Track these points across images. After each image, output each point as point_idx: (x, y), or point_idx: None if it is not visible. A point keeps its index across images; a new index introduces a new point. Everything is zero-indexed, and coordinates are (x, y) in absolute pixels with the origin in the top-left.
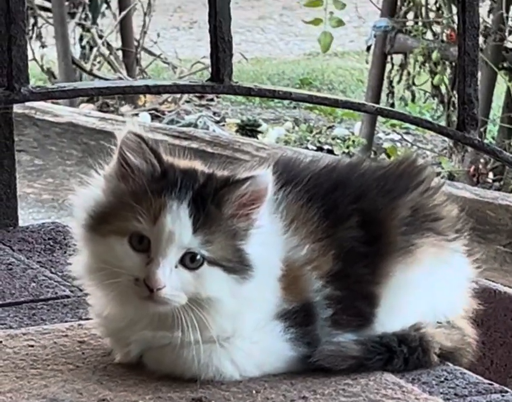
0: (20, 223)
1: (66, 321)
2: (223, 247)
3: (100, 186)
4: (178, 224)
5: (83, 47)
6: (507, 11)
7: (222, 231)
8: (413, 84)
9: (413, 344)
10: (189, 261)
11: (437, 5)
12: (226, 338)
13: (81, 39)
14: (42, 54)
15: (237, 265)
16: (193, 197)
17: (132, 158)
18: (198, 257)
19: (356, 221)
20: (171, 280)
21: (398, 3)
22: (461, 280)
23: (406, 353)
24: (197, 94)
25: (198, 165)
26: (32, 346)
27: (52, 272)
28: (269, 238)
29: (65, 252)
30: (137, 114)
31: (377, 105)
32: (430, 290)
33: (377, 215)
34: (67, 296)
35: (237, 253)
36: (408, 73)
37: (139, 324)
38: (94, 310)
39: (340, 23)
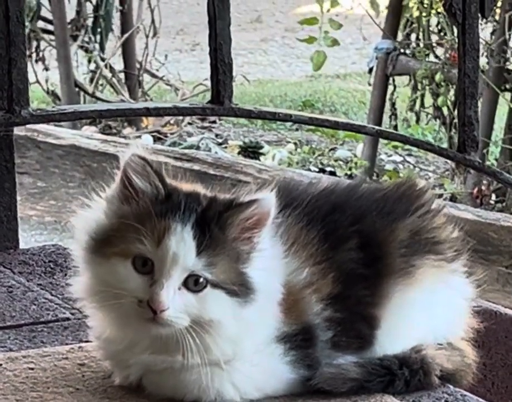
0: (23, 245)
1: (66, 344)
2: (227, 270)
3: (102, 209)
4: (182, 246)
5: (92, 71)
6: (510, 33)
7: (226, 254)
8: (422, 105)
9: (415, 367)
10: (193, 283)
11: (439, 27)
12: (226, 360)
13: (89, 61)
14: (46, 77)
15: (240, 288)
16: (197, 220)
17: (137, 181)
18: (201, 279)
19: (355, 244)
20: (175, 302)
21: (400, 25)
22: (461, 301)
23: (407, 376)
24: (199, 116)
25: (200, 188)
26: (32, 369)
27: (52, 295)
28: (270, 262)
29: (66, 275)
30: (139, 136)
31: (377, 127)
32: (430, 311)
33: (377, 237)
34: (68, 319)
35: (239, 276)
36: (415, 94)
37: (139, 346)
38: (94, 332)
39: (335, 42)
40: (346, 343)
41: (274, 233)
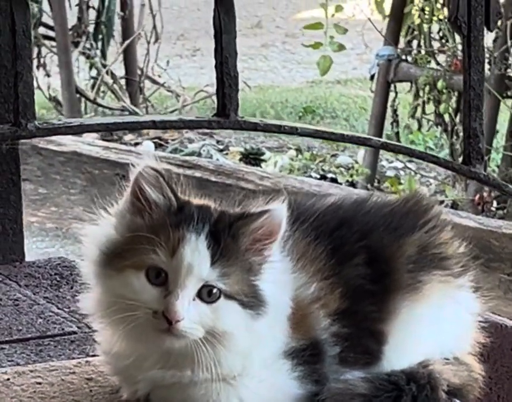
0: (25, 251)
1: (73, 358)
2: (240, 281)
3: (111, 224)
4: (197, 256)
5: (94, 78)
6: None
7: (239, 265)
8: (423, 112)
9: (422, 382)
10: (206, 294)
11: (441, 34)
12: (233, 376)
13: (91, 67)
14: (47, 83)
15: (252, 300)
16: (210, 230)
17: (150, 192)
18: (215, 290)
19: (363, 259)
20: (190, 313)
21: (402, 32)
22: (467, 316)
23: (415, 391)
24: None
25: (211, 203)
26: (40, 383)
27: (58, 308)
28: (279, 276)
29: (72, 287)
30: (140, 143)
31: (382, 140)
32: (437, 326)
33: (384, 253)
34: (74, 332)
35: (251, 288)
36: (417, 101)
37: (148, 361)
38: (101, 347)
39: (341, 47)
40: (353, 358)
41: (282, 248)
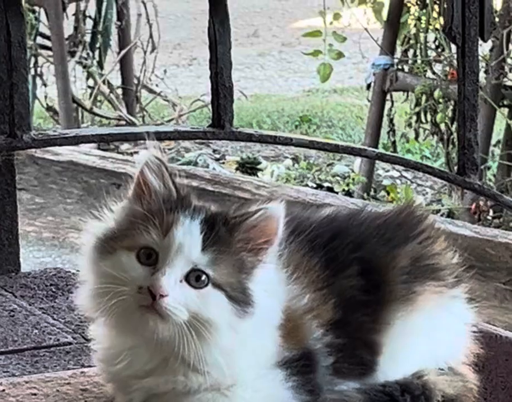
0: (21, 261)
1: (68, 369)
2: (229, 273)
3: (113, 218)
4: (189, 238)
5: (90, 87)
6: (507, 49)
7: (230, 258)
8: (420, 121)
9: (416, 393)
10: (194, 279)
11: (437, 43)
12: (228, 386)
13: (88, 77)
14: (44, 93)
15: (240, 296)
16: (206, 218)
17: (152, 180)
18: (204, 277)
19: (356, 270)
20: (175, 292)
21: (398, 41)
22: (461, 326)
23: None
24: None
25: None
26: (35, 394)
27: (54, 319)
28: (272, 284)
29: (67, 298)
30: (137, 152)
31: (377, 150)
32: (431, 336)
33: (377, 264)
34: (70, 343)
35: (241, 285)
36: (413, 110)
37: (138, 361)
38: (96, 355)
39: (340, 55)
40: (347, 369)
41: (278, 259)
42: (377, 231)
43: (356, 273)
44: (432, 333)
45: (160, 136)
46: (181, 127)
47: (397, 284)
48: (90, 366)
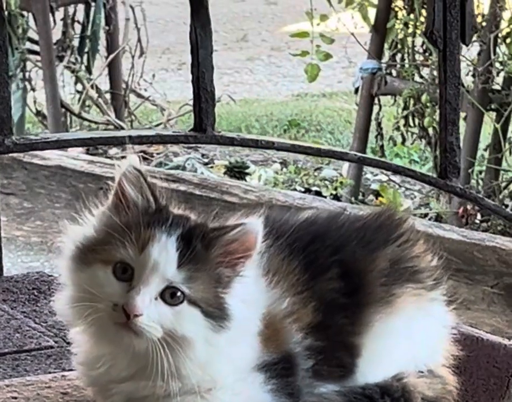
0: (9, 266)
1: (49, 372)
2: (205, 289)
3: (92, 224)
4: (164, 255)
5: (79, 92)
6: (495, 53)
7: (206, 274)
8: (408, 125)
9: (396, 395)
10: (169, 296)
11: (424, 47)
12: (207, 389)
13: (76, 82)
14: (33, 98)
15: (216, 311)
16: (182, 234)
17: (130, 190)
18: (179, 293)
19: (336, 273)
20: (150, 310)
21: (386, 45)
22: (440, 328)
23: None
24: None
25: (191, 215)
26: (16, 398)
27: (36, 323)
28: (250, 294)
29: (49, 302)
30: (125, 157)
31: (359, 154)
32: (411, 339)
33: (357, 267)
34: (51, 347)
35: (217, 299)
36: (398, 115)
37: (117, 368)
38: (76, 358)
39: (327, 56)
40: (327, 371)
41: (257, 265)
42: (356, 234)
43: (336, 276)
44: (411, 335)
45: (142, 140)
46: (163, 131)
47: (376, 286)
48: (71, 370)
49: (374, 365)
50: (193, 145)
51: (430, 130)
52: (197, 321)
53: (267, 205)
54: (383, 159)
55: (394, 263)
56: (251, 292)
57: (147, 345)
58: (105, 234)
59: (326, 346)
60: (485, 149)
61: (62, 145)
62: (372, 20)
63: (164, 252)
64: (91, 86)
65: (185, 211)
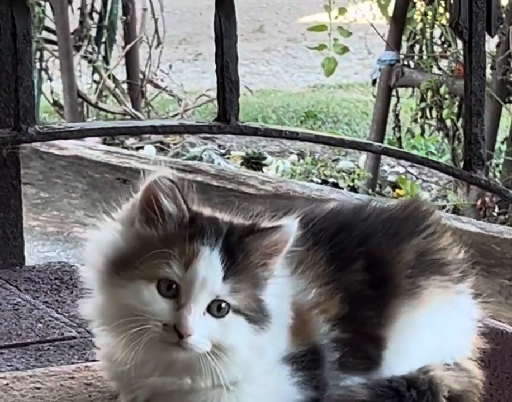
0: (26, 255)
1: (72, 363)
2: (248, 296)
3: (117, 231)
4: (211, 270)
5: (96, 82)
6: None
7: (248, 280)
8: (426, 117)
9: (423, 388)
10: (216, 309)
11: (443, 39)
12: (233, 383)
13: (93, 72)
14: (50, 87)
15: (259, 315)
16: (223, 245)
17: (166, 204)
18: (224, 305)
19: (362, 265)
20: (200, 327)
21: (404, 37)
22: (467, 321)
23: (415, 397)
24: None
25: (217, 213)
26: (39, 388)
27: (58, 313)
28: (280, 287)
29: (72, 292)
30: (142, 147)
31: (383, 145)
32: (437, 331)
33: (383, 258)
34: (74, 337)
35: (258, 303)
36: (416, 106)
37: (147, 368)
38: (101, 352)
39: (345, 50)
40: (353, 364)
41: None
42: (382, 225)
43: (362, 267)
44: (437, 328)
45: (166, 130)
46: (187, 121)
47: (402, 278)
48: (94, 360)
49: (400, 358)
50: (210, 135)
51: (448, 122)
52: (242, 329)
53: (301, 206)
54: (406, 150)
55: (420, 255)
56: (281, 285)
57: (193, 359)
58: (143, 248)
59: (352, 338)
60: (502, 142)
61: (85, 134)
62: (390, 12)
63: (210, 268)
64: (108, 76)
65: (210, 208)
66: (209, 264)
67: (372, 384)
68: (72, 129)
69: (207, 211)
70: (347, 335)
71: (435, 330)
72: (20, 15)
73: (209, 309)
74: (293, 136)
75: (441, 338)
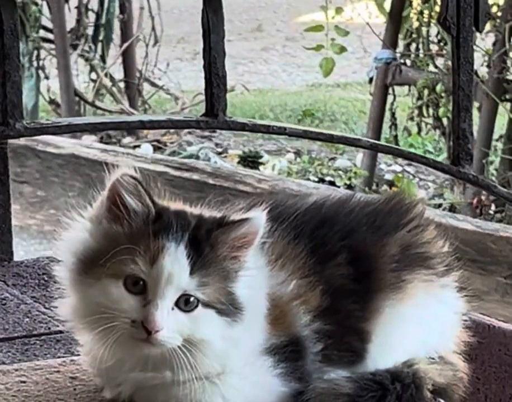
0: (22, 254)
1: (58, 357)
2: (217, 289)
3: (87, 229)
4: (177, 266)
5: (92, 80)
6: (510, 43)
7: (216, 274)
8: (422, 115)
9: (407, 381)
10: (184, 303)
11: (439, 37)
12: (216, 374)
13: (91, 71)
14: (47, 86)
15: (229, 308)
16: (189, 239)
17: (129, 200)
18: (192, 299)
19: (345, 258)
20: (168, 322)
21: (400, 35)
22: (451, 315)
23: (399, 390)
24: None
25: (187, 207)
26: (24, 382)
27: (45, 308)
28: (254, 278)
29: (59, 287)
30: (139, 146)
31: (372, 141)
32: (421, 325)
33: (367, 252)
34: (60, 332)
35: (228, 295)
36: (415, 104)
37: (128, 364)
38: (83, 349)
39: (342, 49)
40: (337, 356)
41: (259, 247)
42: (366, 219)
43: (345, 261)
44: (422, 321)
45: (154, 125)
46: (175, 117)
47: (387, 272)
48: (79, 355)
49: (384, 351)
50: (207, 134)
51: (445, 121)
52: (213, 322)
53: (268, 195)
54: (395, 146)
55: (404, 249)
56: (255, 277)
57: (165, 353)
58: (109, 246)
59: (335, 331)
60: (497, 140)
61: (73, 129)
62: (387, 10)
63: (176, 263)
64: (105, 75)
65: (177, 201)
66: (174, 259)
67: (356, 378)
68: (60, 124)
69: (176, 206)
70: (330, 328)
71: (420, 323)
72: (7, 10)
73: (177, 304)
74: (281, 131)
75: (426, 331)
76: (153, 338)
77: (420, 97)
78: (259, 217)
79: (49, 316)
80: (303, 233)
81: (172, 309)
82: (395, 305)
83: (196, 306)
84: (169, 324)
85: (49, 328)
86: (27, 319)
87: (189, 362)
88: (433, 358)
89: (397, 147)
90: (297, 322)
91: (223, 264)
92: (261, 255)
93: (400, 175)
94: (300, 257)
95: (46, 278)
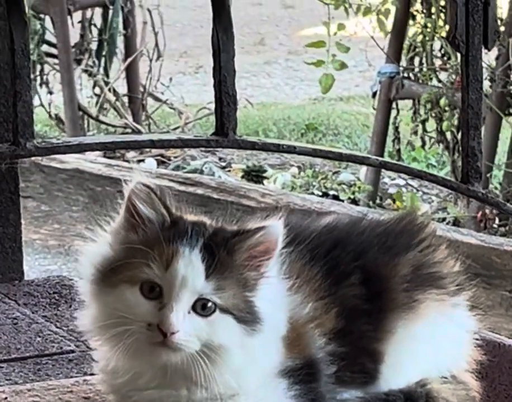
0: (27, 269)
1: (71, 377)
2: (235, 295)
3: (107, 242)
4: (191, 269)
5: (96, 95)
6: None
7: (234, 280)
8: (425, 130)
9: (420, 401)
10: (201, 308)
11: (443, 51)
12: (231, 395)
13: (94, 86)
14: (49, 100)
15: (248, 316)
16: (205, 244)
17: (142, 208)
18: (210, 304)
19: (358, 279)
20: (185, 325)
21: (404, 49)
22: (463, 334)
23: None
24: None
25: (206, 218)
26: None
27: (57, 327)
28: (276, 295)
29: (70, 306)
30: (143, 160)
31: (380, 159)
32: (434, 344)
33: (379, 272)
34: (72, 351)
35: (247, 304)
36: (416, 119)
37: (143, 378)
38: (98, 365)
39: (343, 66)
40: (350, 377)
41: (279, 269)
42: (378, 239)
43: (358, 281)
44: (434, 341)
45: (164, 144)
46: (185, 135)
47: (399, 292)
48: (92, 374)
49: (397, 372)
50: (211, 149)
51: (448, 135)
52: (231, 328)
53: (285, 208)
54: (404, 164)
55: (416, 269)
56: (277, 294)
57: (184, 359)
58: (125, 254)
59: (348, 352)
60: (494, 148)
61: (83, 149)
62: (388, 27)
63: (190, 266)
64: (109, 90)
65: (199, 215)
66: (188, 262)
67: (370, 398)
68: (70, 144)
69: (196, 217)
70: (343, 349)
71: (432, 343)
72: (18, 30)
73: (194, 308)
74: (291, 150)
75: (438, 351)
76: (169, 340)
77: (418, 111)
78: (276, 225)
79: (61, 336)
80: (318, 254)
81: (189, 312)
82: (407, 324)
83: (214, 311)
84: (185, 327)
85: (61, 347)
86: (39, 339)
87: (208, 371)
88: (446, 378)
89: (405, 165)
90: (312, 345)
91: (241, 271)
92: (281, 276)
93: (401, 191)
94: (316, 278)
95: (57, 297)
